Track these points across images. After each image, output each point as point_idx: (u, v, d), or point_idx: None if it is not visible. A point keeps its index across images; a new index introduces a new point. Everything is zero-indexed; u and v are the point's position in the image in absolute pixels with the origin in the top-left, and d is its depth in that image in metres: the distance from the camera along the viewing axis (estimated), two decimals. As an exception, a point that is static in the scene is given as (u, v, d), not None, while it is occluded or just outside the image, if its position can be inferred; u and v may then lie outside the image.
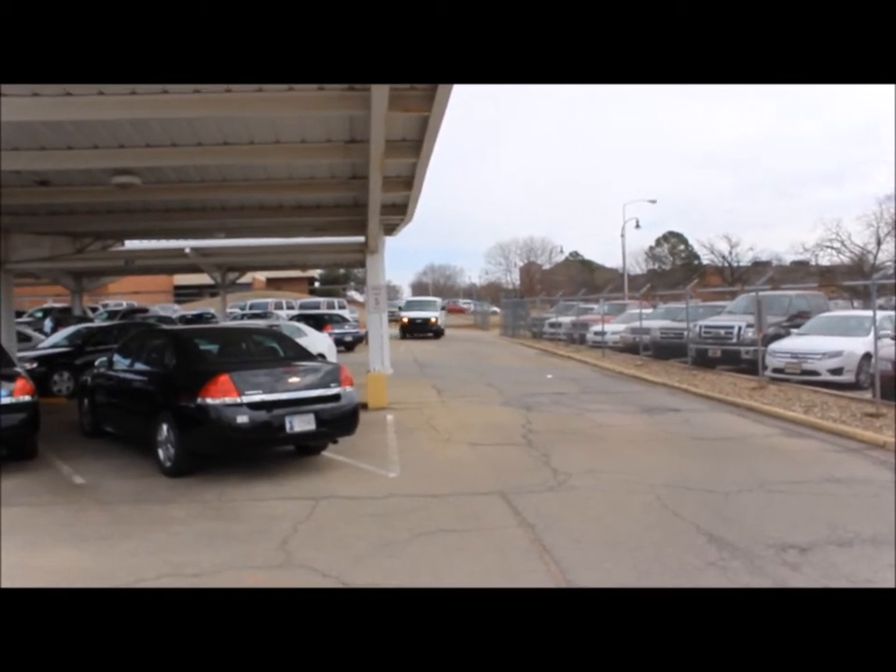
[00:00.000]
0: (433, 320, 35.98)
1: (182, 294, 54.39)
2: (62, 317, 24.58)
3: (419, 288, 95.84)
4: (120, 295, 43.63)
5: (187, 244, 18.08)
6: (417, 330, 35.59)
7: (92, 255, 17.95)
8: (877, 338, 12.09)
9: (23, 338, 17.85)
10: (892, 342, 13.17)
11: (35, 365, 14.41)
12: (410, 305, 39.30)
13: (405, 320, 36.05)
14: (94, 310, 32.19)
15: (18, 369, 9.58)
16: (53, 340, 17.39)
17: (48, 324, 23.87)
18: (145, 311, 31.88)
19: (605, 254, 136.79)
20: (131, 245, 19.44)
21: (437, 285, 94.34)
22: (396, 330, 39.11)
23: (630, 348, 22.91)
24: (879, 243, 43.53)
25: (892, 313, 15.66)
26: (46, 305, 32.76)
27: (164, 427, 8.35)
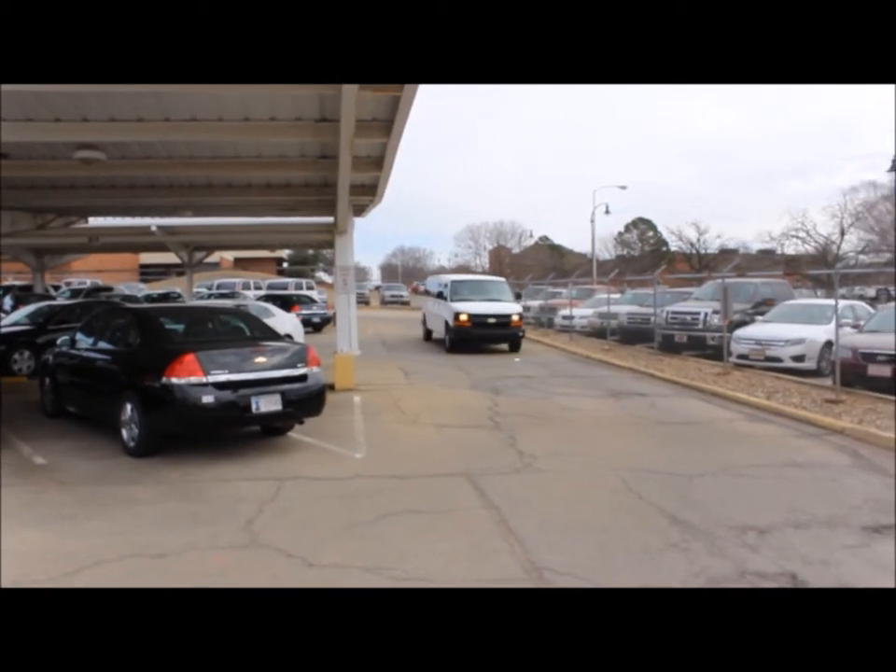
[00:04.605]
0: (516, 319, 20.33)
1: (148, 273, 53.67)
2: (22, 295, 24.09)
3: (388, 271, 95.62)
4: (84, 273, 42.96)
5: (153, 221, 17.80)
6: (485, 338, 20.31)
7: (54, 231, 17.60)
8: (839, 326, 12.34)
9: (-18, 315, 17.50)
10: (853, 330, 13.48)
11: (-6, 343, 14.12)
12: (460, 290, 21.22)
13: (463, 318, 19.72)
14: (57, 288, 31.62)
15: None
16: (14, 318, 17.03)
17: (7, 302, 23.38)
18: (109, 289, 31.37)
19: (575, 239, 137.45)
20: (95, 221, 19.09)
21: (406, 267, 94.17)
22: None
23: (598, 333, 23.14)
24: (843, 233, 44.44)
25: (853, 302, 16.00)
26: (6, 283, 32.11)
27: (128, 406, 8.23)
